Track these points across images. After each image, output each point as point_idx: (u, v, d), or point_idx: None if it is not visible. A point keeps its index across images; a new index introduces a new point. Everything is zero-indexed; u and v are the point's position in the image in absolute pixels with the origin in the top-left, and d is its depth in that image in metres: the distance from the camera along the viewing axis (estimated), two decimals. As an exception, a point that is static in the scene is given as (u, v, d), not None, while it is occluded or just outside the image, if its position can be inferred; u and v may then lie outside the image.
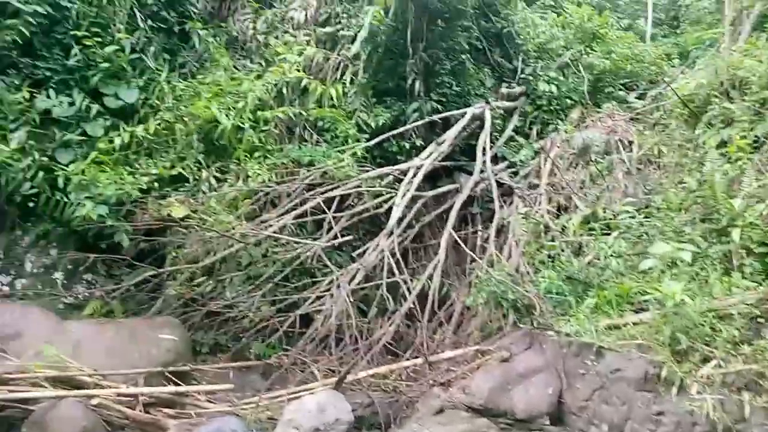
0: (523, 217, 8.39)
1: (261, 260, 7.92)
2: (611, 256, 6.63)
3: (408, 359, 6.94)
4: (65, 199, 7.71)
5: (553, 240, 7.77)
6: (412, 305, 7.45)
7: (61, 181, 7.70)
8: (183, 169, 8.34)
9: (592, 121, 10.18)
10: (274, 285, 7.74)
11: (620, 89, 11.28)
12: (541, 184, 9.11)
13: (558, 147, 9.72)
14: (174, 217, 7.87)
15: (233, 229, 7.75)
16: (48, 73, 8.17)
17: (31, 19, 7.88)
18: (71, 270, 8.08)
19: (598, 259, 6.83)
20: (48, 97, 8.00)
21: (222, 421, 5.49)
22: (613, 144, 9.19)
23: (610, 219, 7.41)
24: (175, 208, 7.97)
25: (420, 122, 9.63)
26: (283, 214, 8.17)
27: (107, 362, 6.34)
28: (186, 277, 7.61)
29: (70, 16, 8.34)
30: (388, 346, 7.23)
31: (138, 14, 9.05)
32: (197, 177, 8.41)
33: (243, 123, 8.79)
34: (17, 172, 7.52)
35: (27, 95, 7.80)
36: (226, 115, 8.63)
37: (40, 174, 7.66)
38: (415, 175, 8.76)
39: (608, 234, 7.06)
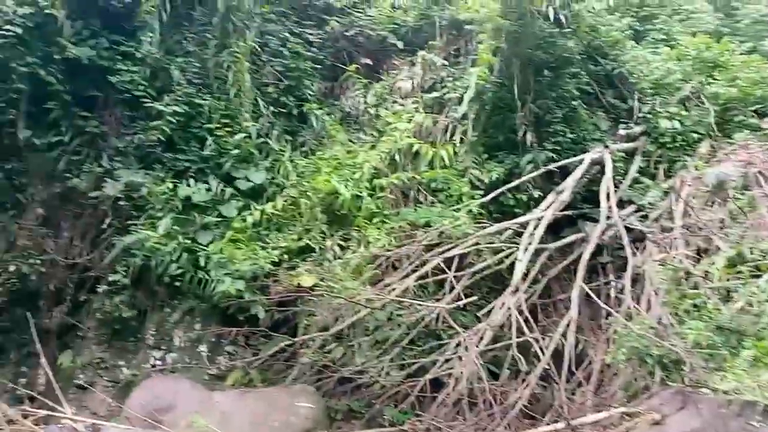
0: (659, 264, 7.83)
1: (386, 324, 8.01)
2: (766, 301, 5.98)
3: (548, 423, 6.56)
4: (207, 277, 8.35)
5: (696, 287, 7.15)
6: (546, 365, 7.11)
7: (202, 261, 8.39)
8: (309, 240, 8.78)
9: (725, 154, 9.43)
10: (401, 349, 7.76)
11: (752, 116, 10.43)
12: (675, 226, 8.49)
13: (689, 185, 9.07)
14: (303, 286, 8.25)
15: (359, 294, 7.94)
16: (187, 164, 9.09)
17: (171, 119, 8.88)
18: (214, 343, 8.64)
19: (751, 306, 6.18)
20: (188, 185, 8.86)
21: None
22: (752, 177, 8.44)
23: (759, 260, 6.73)
24: (304, 278, 8.36)
25: (536, 173, 9.46)
26: (404, 277, 8.26)
27: (251, 431, 6.63)
28: (318, 345, 7.84)
29: (203, 112, 9.29)
30: (525, 409, 6.90)
31: (261, 102, 9.91)
32: (322, 246, 8.79)
33: (361, 192, 9.16)
34: (165, 255, 8.30)
35: (171, 185, 8.70)
36: (345, 186, 9.05)
37: (185, 255, 8.39)
38: (536, 228, 8.54)
39: (758, 276, 6.40)
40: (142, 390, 7.68)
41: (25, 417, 7.08)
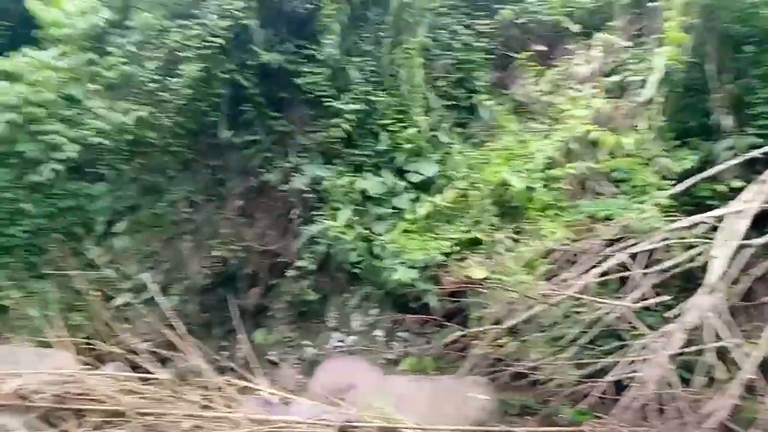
0: None
1: (563, 321, 7.72)
2: None
3: (752, 439, 5.89)
4: (382, 265, 8.71)
5: None
6: (749, 374, 6.37)
7: (377, 249, 8.77)
8: (479, 232, 8.75)
9: None
10: (579, 348, 7.45)
11: None
12: None
13: None
14: (474, 278, 8.25)
15: (533, 289, 7.75)
16: (363, 158, 9.54)
17: (349, 116, 9.36)
18: (389, 328, 9.00)
19: None
20: (364, 178, 9.30)
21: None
22: None
23: None
24: (475, 270, 8.36)
25: (735, 161, 8.46)
26: (583, 273, 7.88)
27: (426, 417, 6.81)
28: (491, 338, 7.81)
29: (378, 109, 9.65)
30: (725, 422, 6.25)
31: (431, 96, 10.06)
32: (493, 239, 8.71)
33: (533, 183, 8.90)
34: (345, 244, 8.80)
35: (349, 179, 9.20)
36: (517, 177, 8.85)
37: (362, 244, 8.83)
38: (737, 222, 7.65)
39: None
40: (325, 369, 8.29)
41: (230, 386, 8.03)
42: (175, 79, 8.84)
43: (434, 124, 9.91)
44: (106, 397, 6.62)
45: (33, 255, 9.19)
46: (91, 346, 8.44)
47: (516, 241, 8.68)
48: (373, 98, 9.57)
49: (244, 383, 8.21)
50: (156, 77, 8.94)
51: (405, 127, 9.54)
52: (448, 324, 8.44)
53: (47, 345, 8.10)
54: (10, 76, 8.51)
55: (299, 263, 9.20)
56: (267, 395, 8.04)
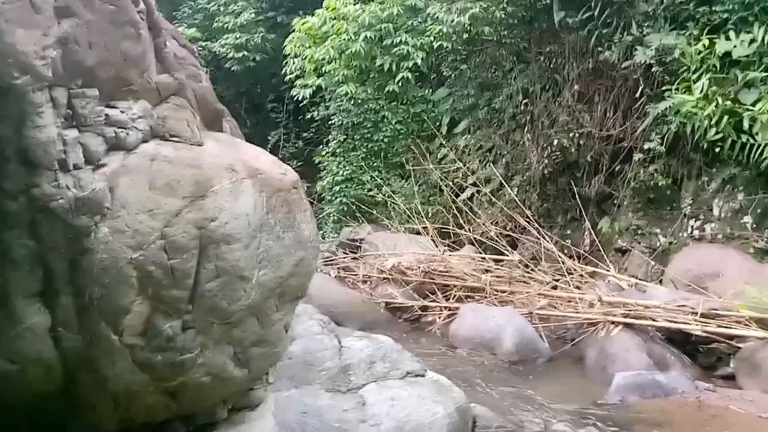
0: None
1: None
2: None
3: None
4: (752, 141, 7.42)
5: None
6: None
7: (746, 123, 7.46)
8: None
9: None
10: None
11: None
12: None
13: None
14: None
15: None
16: (725, 16, 8.03)
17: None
18: (761, 213, 7.74)
19: None
20: (728, 39, 7.86)
21: None
22: None
23: None
24: None
25: None
26: None
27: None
28: None
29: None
30: None
31: None
32: None
33: None
34: (702, 120, 7.72)
35: (706, 42, 7.90)
36: None
37: (724, 118, 7.62)
38: None
39: None
40: (685, 256, 7.69)
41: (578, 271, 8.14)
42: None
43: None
44: (465, 274, 7.42)
45: (395, 156, 10.61)
46: (447, 232, 9.49)
47: None
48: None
49: (591, 269, 8.25)
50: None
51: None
52: None
53: (414, 232, 9.40)
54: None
55: (646, 146, 8.49)
56: (617, 281, 7.94)
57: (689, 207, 8.43)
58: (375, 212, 10.36)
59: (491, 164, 10.38)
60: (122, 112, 2.55)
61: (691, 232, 8.30)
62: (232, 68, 14.13)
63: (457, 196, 10.21)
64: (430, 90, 11.11)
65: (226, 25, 14.10)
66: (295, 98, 12.25)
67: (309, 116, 12.88)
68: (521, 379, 5.87)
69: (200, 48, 14.08)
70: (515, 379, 5.86)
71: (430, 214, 10.08)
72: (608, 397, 5.39)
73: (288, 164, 3.59)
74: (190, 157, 2.72)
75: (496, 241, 8.85)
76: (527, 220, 8.84)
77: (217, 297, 2.83)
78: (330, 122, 11.72)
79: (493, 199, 9.91)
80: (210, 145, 2.95)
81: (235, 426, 3.59)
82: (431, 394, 4.04)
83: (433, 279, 7.95)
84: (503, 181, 9.84)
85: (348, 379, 4.01)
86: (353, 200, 10.57)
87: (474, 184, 10.36)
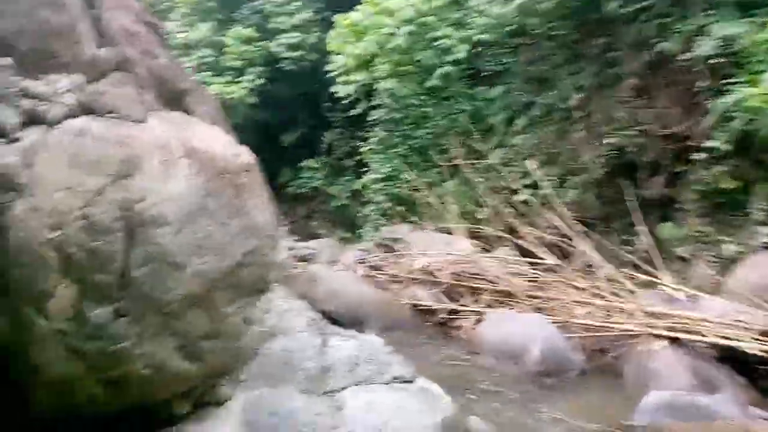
0: None
1: None
2: None
3: None
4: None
5: None
6: None
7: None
8: None
9: None
10: None
11: None
12: None
13: None
14: None
15: None
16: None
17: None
18: None
19: None
20: (801, 25, 6.99)
21: None
22: None
23: None
24: None
25: None
26: None
27: None
28: None
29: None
30: None
31: None
32: None
33: None
34: (771, 116, 6.90)
35: (776, 29, 7.06)
36: None
37: (802, 113, 6.76)
38: None
39: None
40: (749, 266, 6.91)
41: (627, 279, 7.48)
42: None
43: None
44: (497, 277, 6.97)
45: (439, 154, 10.23)
46: (495, 235, 9.01)
47: None
48: None
49: (645, 277, 7.58)
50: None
51: None
52: None
53: (448, 231, 9.00)
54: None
55: (710, 145, 7.69)
56: (671, 291, 7.23)
57: (760, 212, 7.58)
58: (415, 212, 10.04)
59: (545, 165, 9.82)
60: (47, 85, 2.44)
61: (763, 240, 7.45)
62: (288, 68, 14.23)
63: (508, 197, 9.71)
64: (475, 85, 10.64)
65: (281, 25, 14.23)
66: (347, 96, 12.10)
67: (355, 114, 12.71)
68: (543, 392, 5.39)
69: (258, 47, 14.30)
70: (536, 391, 5.39)
71: (478, 216, 9.65)
72: (636, 418, 4.83)
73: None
74: (120, 134, 2.59)
75: (537, 242, 8.32)
76: (583, 223, 8.25)
77: (148, 284, 2.67)
78: (372, 119, 11.49)
79: (544, 201, 9.35)
80: (153, 123, 2.81)
81: (199, 422, 3.44)
82: (417, 402, 3.73)
83: (463, 281, 7.52)
84: (557, 183, 9.28)
85: (327, 380, 3.76)
86: (394, 199, 10.29)
87: (526, 186, 9.83)
